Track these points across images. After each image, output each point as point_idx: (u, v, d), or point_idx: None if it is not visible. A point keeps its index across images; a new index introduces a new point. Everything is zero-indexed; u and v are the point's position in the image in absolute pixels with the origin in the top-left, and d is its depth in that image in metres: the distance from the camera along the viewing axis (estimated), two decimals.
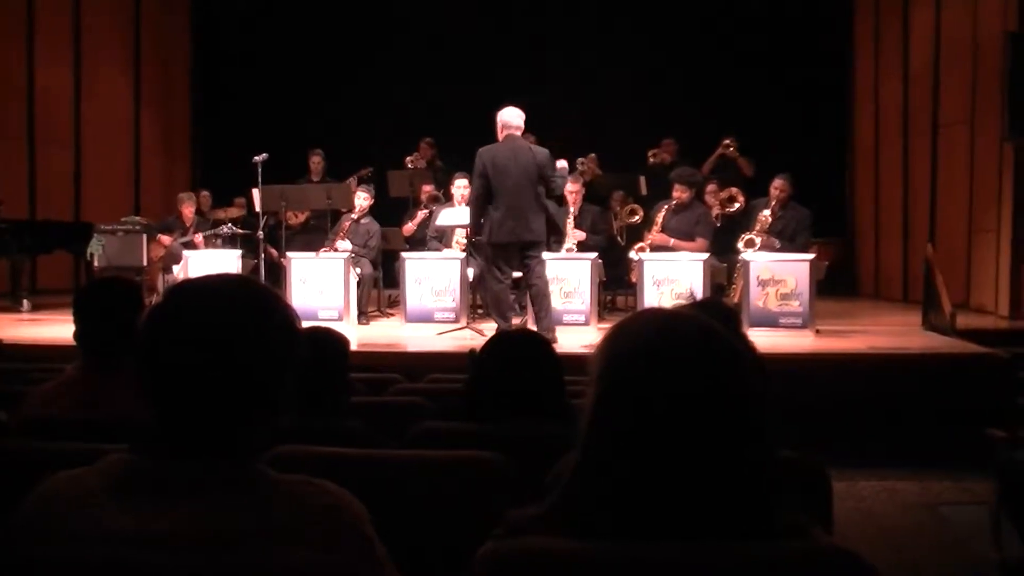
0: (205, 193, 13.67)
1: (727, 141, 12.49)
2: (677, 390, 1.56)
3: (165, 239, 11.81)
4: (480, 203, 8.67)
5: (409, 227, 11.58)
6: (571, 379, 3.49)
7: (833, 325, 9.73)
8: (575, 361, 3.55)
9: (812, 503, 2.63)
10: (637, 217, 11.21)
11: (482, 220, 8.59)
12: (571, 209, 10.63)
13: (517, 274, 10.58)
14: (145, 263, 11.44)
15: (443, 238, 10.84)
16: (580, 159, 12.39)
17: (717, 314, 2.68)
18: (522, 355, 3.48)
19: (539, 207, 8.52)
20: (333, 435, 3.02)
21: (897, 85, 13.55)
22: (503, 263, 8.67)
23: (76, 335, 4.63)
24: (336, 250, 10.53)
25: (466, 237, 10.40)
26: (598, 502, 1.57)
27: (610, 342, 1.67)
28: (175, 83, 16.49)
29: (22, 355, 7.24)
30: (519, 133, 8.64)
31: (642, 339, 1.64)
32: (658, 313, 1.78)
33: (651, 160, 12.79)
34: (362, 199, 10.93)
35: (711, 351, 1.61)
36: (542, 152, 8.55)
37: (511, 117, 8.66)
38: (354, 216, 10.90)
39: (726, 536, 1.52)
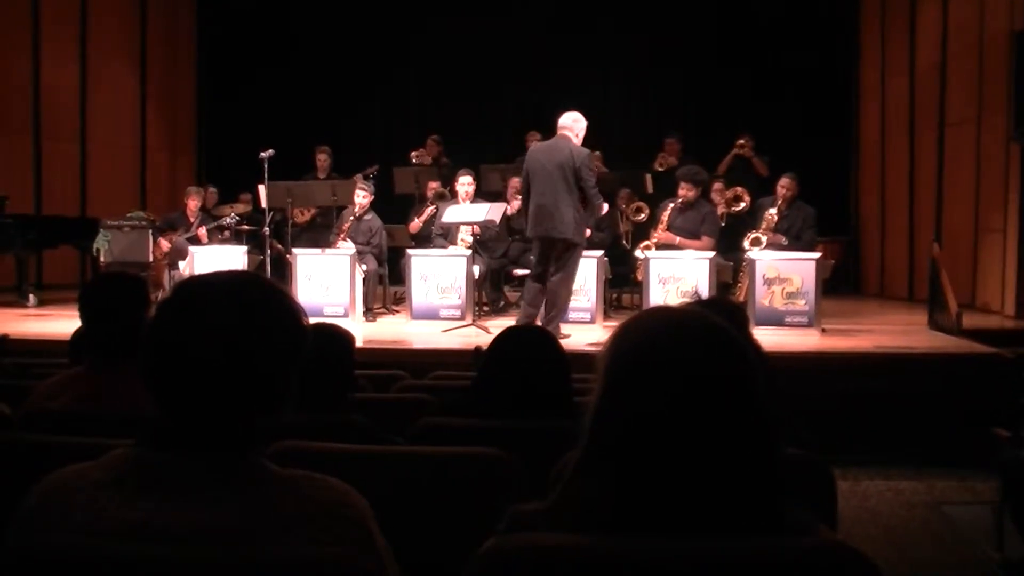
0: (211, 190, 13.66)
1: (742, 141, 12.48)
2: (683, 387, 1.57)
3: (167, 238, 11.78)
4: (523, 198, 8.92)
5: (415, 224, 11.58)
6: (577, 376, 3.49)
7: (839, 324, 9.72)
8: (581, 359, 3.57)
9: (817, 501, 2.63)
10: (643, 215, 11.21)
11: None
12: None
13: (525, 271, 10.64)
14: (151, 259, 11.44)
15: (448, 235, 10.83)
16: None
17: (723, 312, 2.69)
18: (529, 352, 3.48)
19: (570, 205, 8.50)
20: (338, 431, 3.02)
21: (904, 83, 13.53)
22: (538, 256, 8.79)
23: (75, 335, 4.66)
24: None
25: (471, 234, 10.39)
26: (600, 497, 1.58)
27: (618, 339, 1.68)
28: (181, 79, 16.51)
29: (27, 350, 7.24)
30: (568, 133, 8.65)
31: (649, 336, 1.65)
32: (666, 310, 1.78)
33: (659, 168, 12.75)
34: (361, 197, 10.84)
35: (718, 348, 1.62)
36: (580, 152, 8.56)
37: (562, 119, 8.77)
38: (355, 214, 10.84)
39: (730, 532, 1.52)
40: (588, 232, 10.48)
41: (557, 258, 8.66)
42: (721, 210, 10.90)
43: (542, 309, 8.82)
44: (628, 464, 1.57)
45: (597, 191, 8.65)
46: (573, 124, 8.68)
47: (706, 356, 1.60)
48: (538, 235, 8.70)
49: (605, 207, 9.09)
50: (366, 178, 12.36)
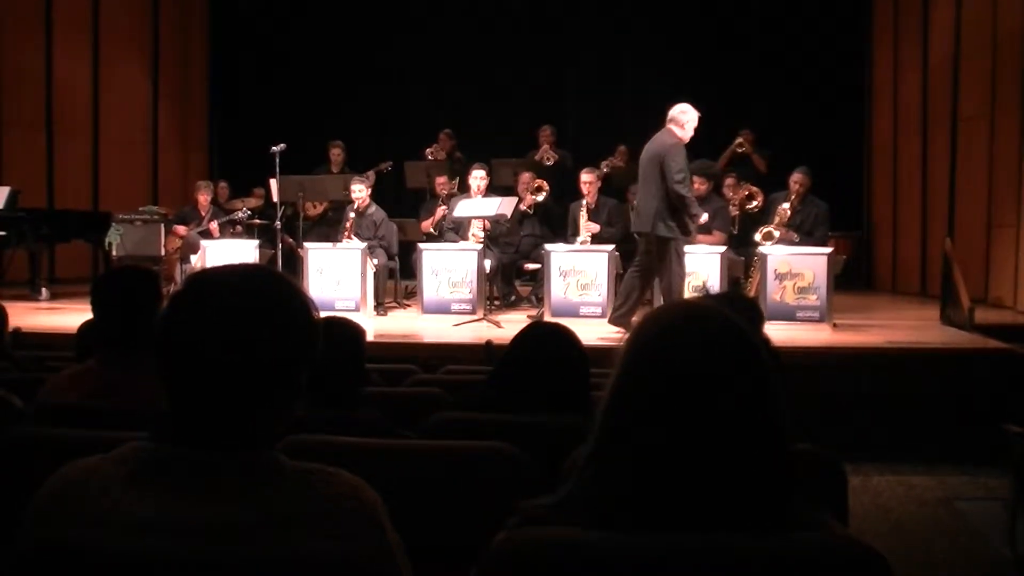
0: (223, 184, 13.68)
1: (740, 139, 12.48)
2: (695, 382, 1.57)
3: (181, 230, 11.83)
4: None
5: (426, 224, 11.58)
6: (591, 372, 3.50)
7: (850, 319, 9.69)
8: (593, 353, 3.57)
9: (828, 497, 2.63)
10: None
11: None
12: (586, 201, 10.63)
13: (536, 266, 10.63)
14: (163, 253, 11.47)
15: (460, 229, 10.83)
16: (605, 161, 12.39)
17: (738, 308, 2.68)
18: (549, 349, 3.48)
19: (653, 197, 8.40)
20: (349, 425, 3.02)
21: (916, 79, 13.49)
22: (641, 251, 8.78)
23: (82, 328, 4.68)
24: None
25: (483, 229, 10.39)
26: (609, 492, 1.58)
27: (635, 334, 1.68)
28: (193, 73, 16.53)
29: (39, 343, 7.26)
30: (670, 125, 8.57)
31: (664, 330, 1.65)
32: (683, 306, 1.78)
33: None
34: (358, 192, 10.78)
35: (731, 345, 1.61)
36: (665, 143, 8.45)
37: (671, 109, 8.68)
38: (356, 210, 10.80)
39: (740, 528, 1.52)
40: (597, 228, 10.50)
41: (646, 252, 8.61)
42: (734, 212, 10.89)
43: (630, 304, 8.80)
44: (637, 459, 1.57)
45: (682, 185, 8.35)
46: (679, 115, 8.55)
47: (720, 352, 1.60)
48: (633, 231, 8.85)
49: (703, 217, 8.94)
50: (379, 174, 12.39)
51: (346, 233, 10.61)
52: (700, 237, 10.01)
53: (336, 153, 12.69)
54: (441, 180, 12.03)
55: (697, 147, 12.74)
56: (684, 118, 8.52)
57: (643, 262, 8.68)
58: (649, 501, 1.55)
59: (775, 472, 1.57)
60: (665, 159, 8.32)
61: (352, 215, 10.73)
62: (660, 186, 8.36)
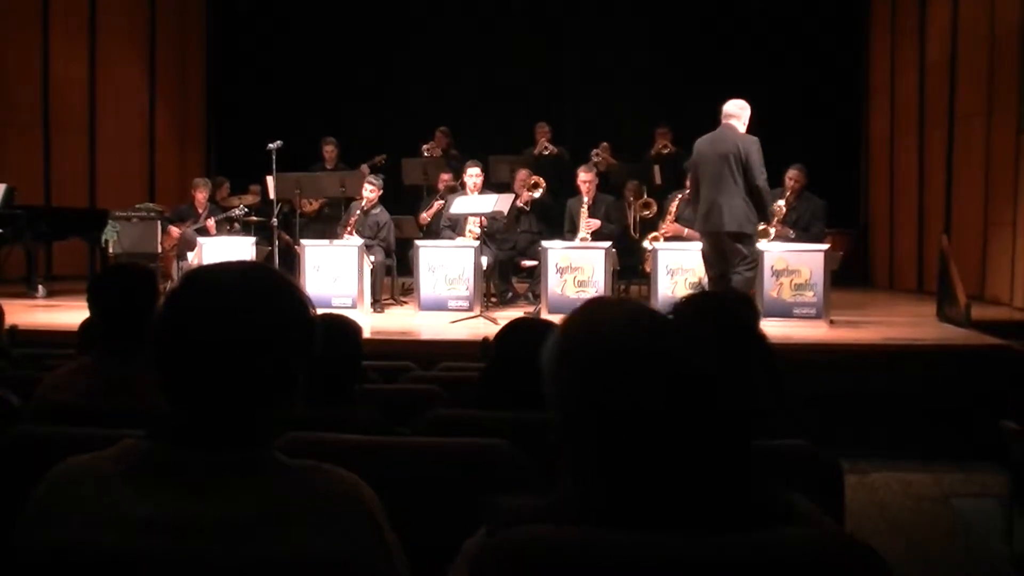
0: (226, 184, 13.65)
1: None
2: (639, 390, 1.54)
3: (175, 231, 11.79)
4: (692, 193, 8.85)
5: (424, 217, 11.57)
6: None
7: (847, 316, 9.69)
8: None
9: (824, 494, 2.62)
10: (650, 211, 11.19)
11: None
12: (585, 199, 10.62)
13: (533, 263, 10.61)
14: (160, 250, 11.45)
15: (456, 226, 10.82)
16: (595, 149, 12.42)
17: (735, 305, 2.68)
18: (530, 345, 3.47)
19: (736, 195, 8.24)
20: (346, 422, 3.02)
21: (913, 77, 13.48)
22: (708, 257, 8.64)
23: (84, 324, 4.68)
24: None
25: (479, 226, 10.38)
26: (583, 491, 1.57)
27: (565, 343, 1.67)
28: (190, 71, 16.51)
29: (36, 341, 7.24)
30: (734, 122, 8.40)
31: (600, 340, 1.63)
32: (612, 305, 1.77)
33: (663, 151, 12.76)
34: (368, 191, 10.79)
35: (669, 342, 1.60)
36: (747, 140, 8.31)
37: (726, 106, 8.52)
38: (363, 208, 10.81)
39: (722, 524, 1.50)
40: (597, 224, 10.50)
41: (730, 252, 8.42)
42: None
43: None
44: (596, 464, 1.56)
45: (767, 185, 8.32)
46: (740, 112, 8.44)
47: (658, 350, 1.57)
48: (707, 231, 8.52)
49: (781, 206, 8.81)
50: (373, 168, 12.38)
51: (348, 229, 10.60)
52: (697, 234, 10.00)
53: (329, 150, 12.69)
54: (446, 177, 12.02)
55: (674, 140, 12.81)
56: (745, 114, 8.43)
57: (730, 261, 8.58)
58: (619, 500, 1.53)
59: (733, 464, 1.54)
60: (747, 155, 8.20)
61: (358, 212, 10.73)
62: (741, 183, 8.24)
